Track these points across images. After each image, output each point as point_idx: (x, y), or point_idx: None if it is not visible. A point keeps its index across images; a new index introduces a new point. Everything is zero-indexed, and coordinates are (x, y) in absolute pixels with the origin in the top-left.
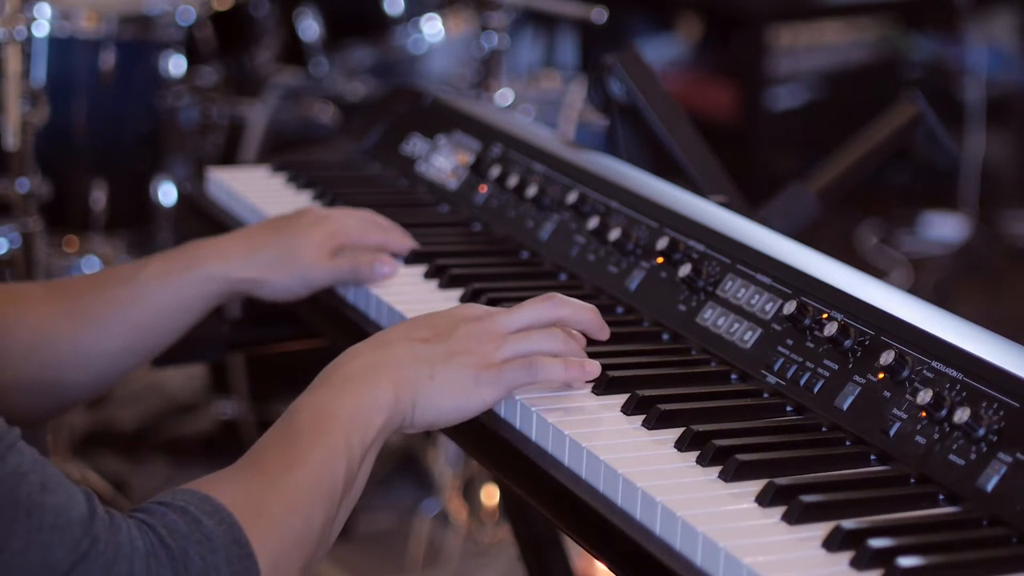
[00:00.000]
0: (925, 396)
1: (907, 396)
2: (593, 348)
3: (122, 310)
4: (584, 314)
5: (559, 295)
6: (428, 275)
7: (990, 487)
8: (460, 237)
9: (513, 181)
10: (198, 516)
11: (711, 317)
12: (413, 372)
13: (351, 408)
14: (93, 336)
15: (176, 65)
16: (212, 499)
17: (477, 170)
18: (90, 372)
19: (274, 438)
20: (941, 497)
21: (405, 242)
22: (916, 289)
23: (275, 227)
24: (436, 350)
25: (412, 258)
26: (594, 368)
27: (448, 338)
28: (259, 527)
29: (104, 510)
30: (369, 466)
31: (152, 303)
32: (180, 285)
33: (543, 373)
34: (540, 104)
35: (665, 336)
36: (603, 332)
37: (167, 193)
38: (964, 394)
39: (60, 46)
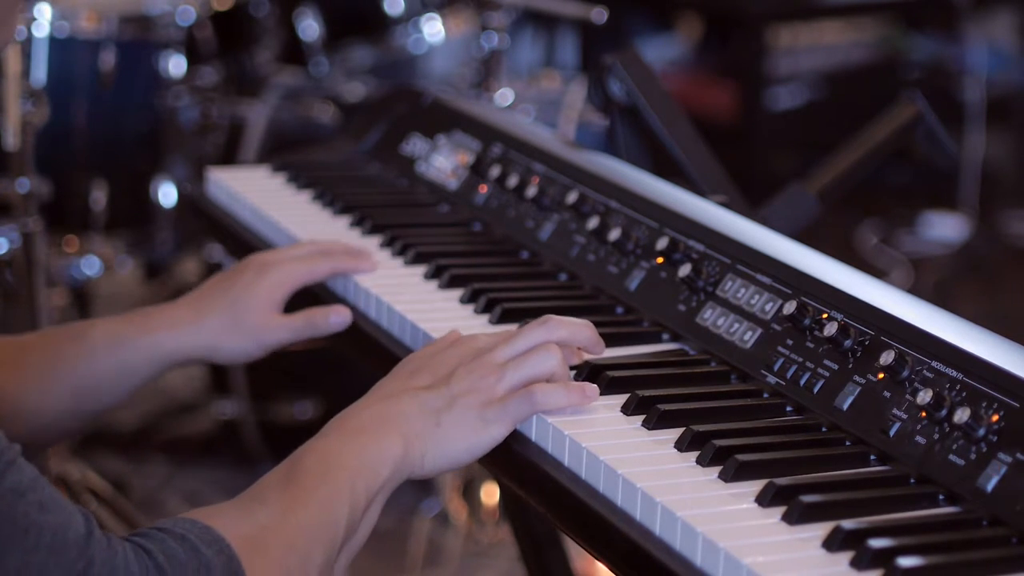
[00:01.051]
0: (925, 396)
1: (907, 396)
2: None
3: (66, 369)
4: (580, 332)
5: (554, 317)
6: (428, 275)
7: (990, 487)
8: (460, 237)
9: (513, 181)
10: (197, 545)
11: (711, 317)
12: (420, 424)
13: (358, 457)
14: (33, 391)
15: (176, 65)
16: (212, 530)
17: (477, 170)
18: (27, 427)
19: (279, 476)
20: (941, 497)
21: (358, 263)
22: (916, 289)
23: (221, 288)
24: (439, 396)
25: (412, 258)
26: (593, 391)
27: (448, 381)
28: (257, 562)
29: (102, 533)
30: (374, 517)
31: (98, 365)
32: (128, 351)
33: (544, 401)
34: (540, 104)
35: (665, 336)
36: (599, 347)
37: (167, 193)
38: (964, 394)
39: (60, 46)
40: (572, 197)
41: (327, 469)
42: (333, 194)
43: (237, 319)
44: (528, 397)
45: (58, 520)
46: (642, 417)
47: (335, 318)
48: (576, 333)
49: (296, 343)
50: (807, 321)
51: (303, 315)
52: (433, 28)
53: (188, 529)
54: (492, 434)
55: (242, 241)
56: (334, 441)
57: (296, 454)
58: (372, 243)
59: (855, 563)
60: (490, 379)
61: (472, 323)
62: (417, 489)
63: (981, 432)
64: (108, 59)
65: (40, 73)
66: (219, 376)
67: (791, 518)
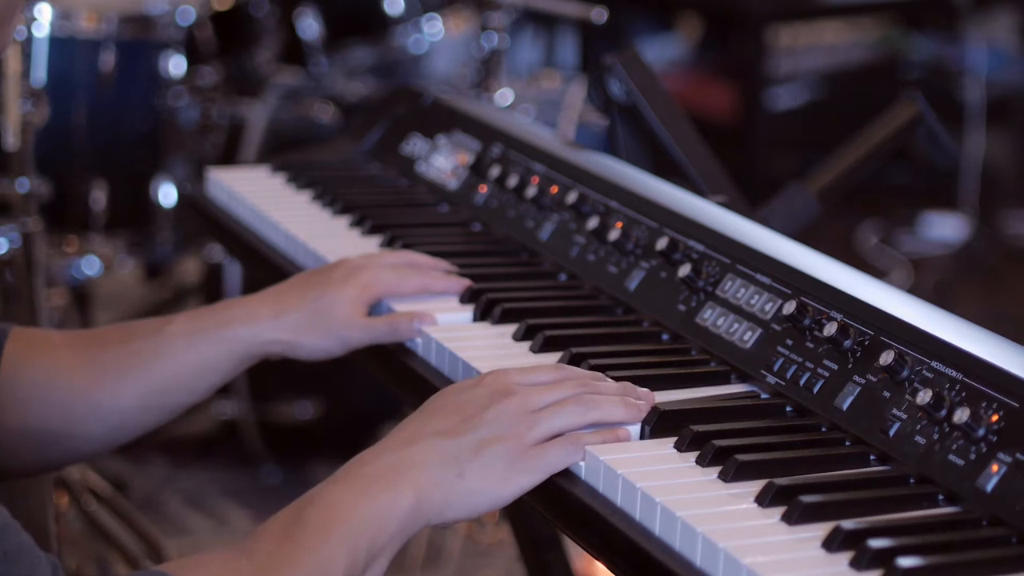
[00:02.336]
0: (925, 396)
1: (907, 396)
2: (594, 349)
3: (143, 364)
4: (615, 412)
5: (592, 397)
6: None
7: (990, 487)
8: (460, 237)
9: (513, 181)
10: None
11: (711, 317)
12: (440, 474)
13: (363, 512)
14: (109, 389)
15: (176, 65)
16: None
17: (477, 170)
18: (102, 427)
19: (274, 529)
20: (941, 497)
21: (449, 282)
22: (916, 289)
23: (306, 284)
24: (463, 444)
25: None
26: (626, 434)
27: (476, 426)
28: None
29: None
30: (381, 570)
31: (175, 360)
32: (206, 345)
33: (581, 453)
34: (540, 104)
35: (665, 336)
36: (639, 414)
37: (167, 193)
38: (964, 394)
39: (60, 46)
40: (572, 197)
41: (326, 526)
42: (333, 194)
43: (321, 315)
44: (571, 448)
45: (22, 572)
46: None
47: (419, 324)
48: (611, 413)
49: (377, 342)
50: (807, 321)
51: (387, 319)
52: (433, 28)
53: None
54: (520, 484)
55: (242, 241)
56: (342, 490)
57: (300, 502)
58: (372, 243)
59: (855, 563)
60: (521, 427)
61: (472, 322)
62: None
63: (981, 432)
64: (108, 59)
65: (40, 73)
66: None
67: (791, 518)
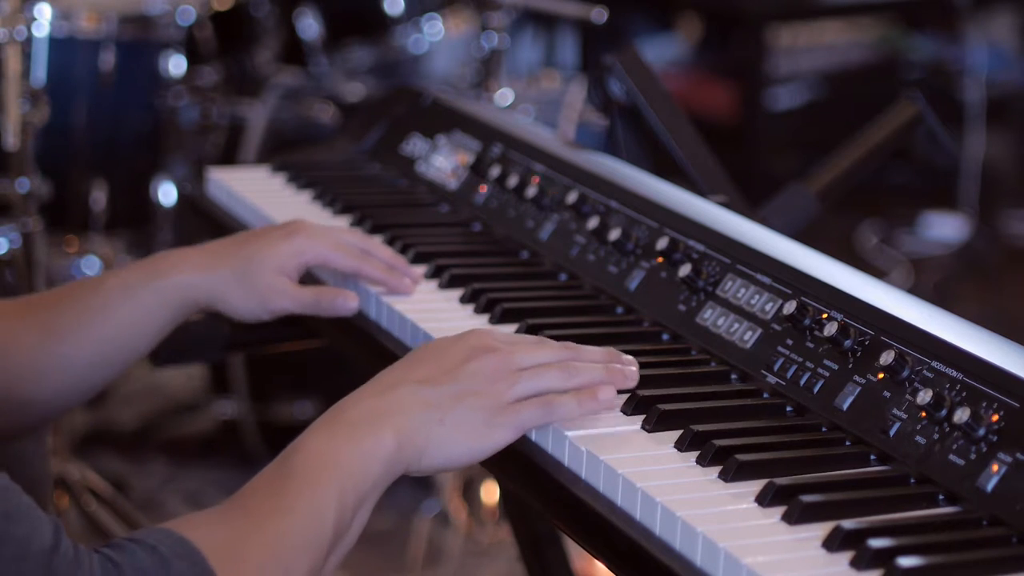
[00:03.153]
0: (925, 396)
1: (907, 396)
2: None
3: (86, 322)
4: (595, 355)
5: (578, 364)
6: (428, 275)
7: (990, 487)
8: (460, 237)
9: (513, 181)
10: (168, 557)
11: (711, 317)
12: (419, 420)
13: (348, 456)
14: (56, 349)
15: (176, 65)
16: (187, 541)
17: (477, 170)
18: (54, 387)
19: (264, 481)
20: (941, 497)
21: (389, 277)
22: (916, 289)
23: (243, 240)
24: (444, 392)
25: (413, 258)
26: (607, 394)
27: (457, 377)
28: (234, 572)
29: (70, 543)
30: (364, 517)
31: (115, 314)
32: (142, 295)
33: (560, 413)
34: (540, 104)
35: (665, 336)
36: (623, 380)
37: (167, 193)
38: (964, 394)
39: (60, 46)
40: (572, 197)
41: (314, 471)
42: (333, 194)
43: (248, 274)
44: (543, 407)
45: (24, 532)
46: (642, 417)
47: (342, 301)
48: (591, 382)
49: (301, 310)
50: (807, 321)
51: (312, 290)
52: (433, 28)
53: (160, 540)
54: (496, 439)
55: None
56: (326, 437)
57: (285, 453)
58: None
59: (855, 563)
60: (501, 384)
61: (472, 323)
62: (417, 489)
63: (981, 432)
64: (108, 59)
65: (40, 73)
66: (219, 376)
67: (791, 518)
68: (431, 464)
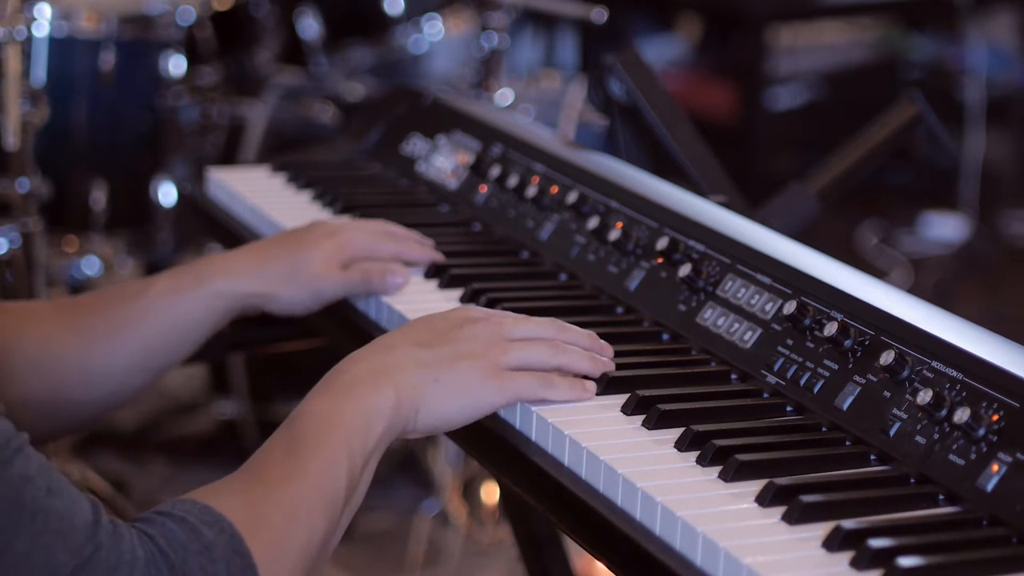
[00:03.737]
0: (925, 396)
1: (907, 396)
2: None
3: (131, 327)
4: (582, 339)
5: (568, 325)
6: (428, 275)
7: (990, 487)
8: (460, 237)
9: (513, 181)
10: (197, 526)
11: (711, 317)
12: (416, 377)
13: (352, 415)
14: (101, 353)
15: (176, 65)
16: (212, 509)
17: (477, 170)
18: (99, 390)
19: (275, 446)
20: (941, 497)
21: (423, 252)
22: (916, 289)
23: (284, 241)
24: (440, 353)
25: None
26: (592, 387)
27: (452, 340)
28: (260, 537)
29: (108, 519)
30: (371, 473)
31: (161, 320)
32: (188, 301)
33: (551, 393)
34: (540, 104)
35: (665, 336)
36: (602, 368)
37: (167, 193)
38: (964, 394)
39: (60, 46)
40: (572, 197)
41: (322, 432)
42: (333, 194)
43: (298, 270)
44: (541, 382)
45: (65, 505)
46: (642, 417)
47: (391, 279)
48: (577, 363)
49: (351, 293)
50: (807, 321)
51: (360, 270)
52: (433, 28)
53: (187, 511)
54: (490, 400)
55: (242, 241)
56: (328, 399)
57: (290, 419)
58: None
59: (855, 563)
60: (496, 349)
61: None
62: (417, 489)
63: (981, 432)
64: (108, 59)
65: (40, 73)
66: (219, 376)
67: (791, 518)
68: (427, 422)
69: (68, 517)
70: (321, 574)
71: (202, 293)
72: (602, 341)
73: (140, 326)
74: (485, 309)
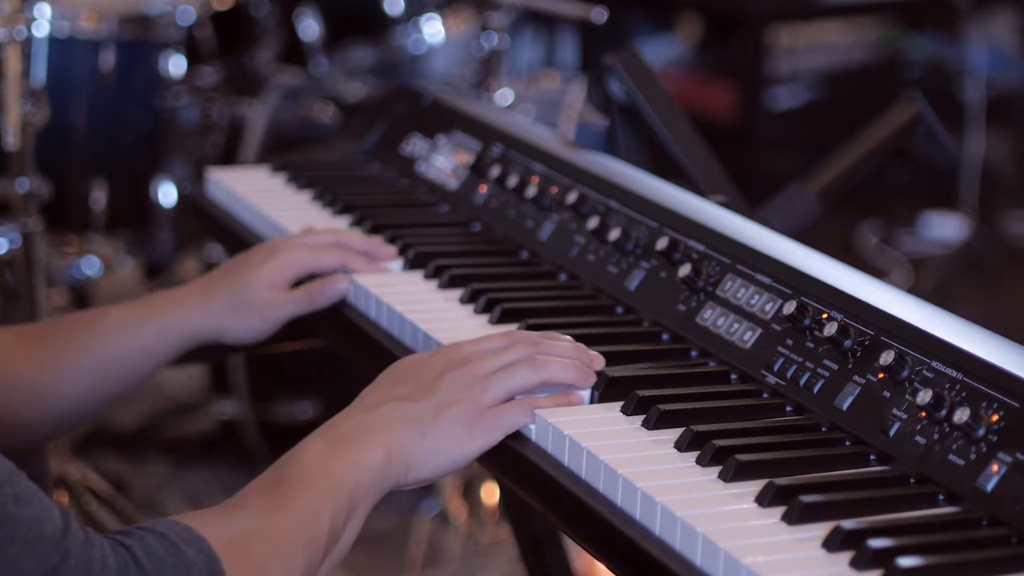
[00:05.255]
0: (925, 396)
1: (907, 396)
2: (594, 349)
3: (82, 354)
4: (564, 373)
5: (545, 340)
6: (428, 275)
7: (990, 487)
8: (460, 237)
9: (513, 181)
10: (177, 543)
11: (711, 317)
12: (404, 434)
13: (341, 467)
14: (51, 379)
15: (176, 65)
16: (193, 530)
17: (477, 170)
18: (50, 412)
19: (262, 484)
20: (941, 497)
21: (370, 265)
22: (916, 289)
23: (228, 271)
24: (424, 408)
25: (412, 258)
26: (578, 399)
27: (433, 391)
28: (238, 564)
29: (80, 528)
30: (357, 526)
31: (112, 349)
32: (140, 333)
33: (532, 415)
34: (540, 104)
35: (665, 336)
36: (588, 380)
37: (167, 193)
38: (964, 394)
39: (60, 46)
40: (572, 197)
41: (310, 476)
42: (333, 194)
43: (242, 299)
44: (523, 409)
45: (35, 513)
46: (642, 417)
47: (330, 289)
48: (560, 374)
49: (300, 313)
50: (807, 321)
51: (303, 289)
52: (433, 28)
53: (169, 528)
54: (479, 444)
55: (242, 241)
56: (318, 448)
57: (280, 461)
58: None
59: (855, 563)
60: (475, 390)
61: (472, 323)
62: (417, 489)
63: (981, 432)
64: (108, 59)
65: (40, 73)
66: (219, 376)
67: (791, 518)
68: (418, 477)
69: (36, 525)
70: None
71: (154, 326)
72: (592, 352)
73: (91, 353)
74: (464, 344)
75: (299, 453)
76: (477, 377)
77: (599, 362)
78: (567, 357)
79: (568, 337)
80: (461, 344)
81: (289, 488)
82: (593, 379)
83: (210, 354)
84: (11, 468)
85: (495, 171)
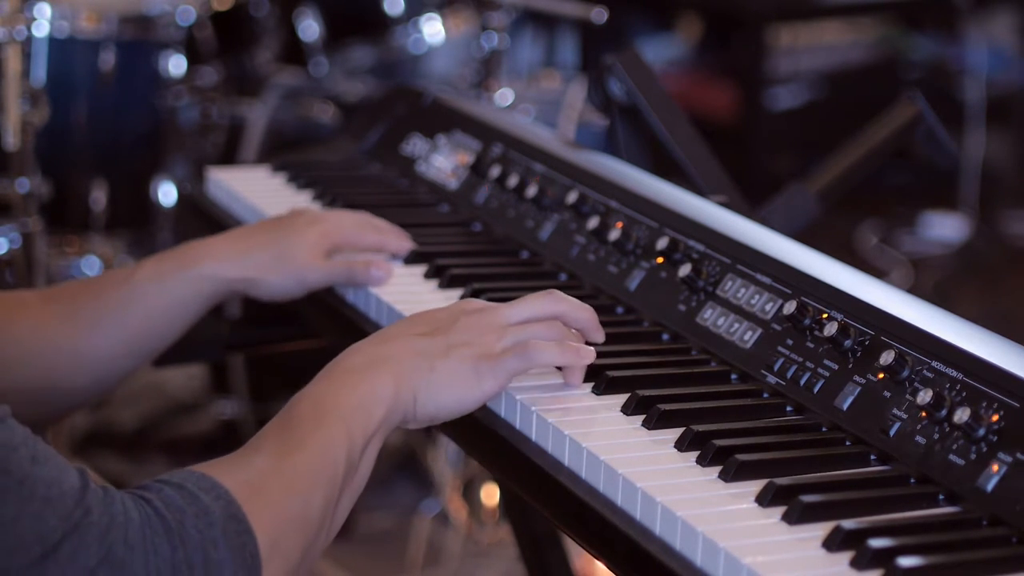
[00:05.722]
0: (925, 396)
1: (907, 396)
2: (594, 348)
3: (118, 313)
4: (582, 312)
5: (558, 291)
6: (428, 275)
7: (990, 487)
8: (460, 237)
9: (513, 181)
10: (195, 492)
11: (711, 317)
12: (413, 366)
13: (351, 400)
14: (89, 340)
15: (176, 65)
16: (209, 477)
17: (477, 170)
18: (88, 376)
19: (274, 426)
20: (941, 497)
21: (403, 244)
22: (916, 289)
23: (269, 227)
24: (436, 343)
25: (412, 258)
26: (588, 354)
27: (448, 331)
28: (257, 505)
29: (98, 485)
30: (372, 459)
31: (147, 305)
32: (174, 286)
33: (538, 357)
34: (540, 104)
35: (665, 336)
36: (599, 333)
37: (167, 193)
38: (964, 394)
39: (60, 46)
40: (572, 197)
41: (321, 413)
42: (333, 194)
43: (283, 256)
44: (523, 353)
45: (52, 472)
46: (642, 417)
47: (375, 272)
48: (576, 311)
49: (334, 283)
50: (807, 321)
51: (345, 262)
52: (433, 28)
53: (185, 478)
54: (484, 388)
55: None
56: (326, 385)
57: (291, 402)
58: None
59: (855, 563)
60: (490, 336)
61: None
62: (417, 489)
63: (981, 432)
64: (108, 59)
65: (40, 73)
66: (219, 376)
67: (791, 518)
68: (424, 411)
69: (55, 484)
70: (319, 569)
71: (187, 277)
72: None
73: (126, 311)
74: (484, 302)
75: (309, 392)
76: (495, 324)
77: (600, 335)
78: (582, 319)
79: (588, 307)
80: (482, 301)
81: (302, 427)
82: (589, 358)
83: (210, 354)
84: (26, 431)
85: (495, 171)
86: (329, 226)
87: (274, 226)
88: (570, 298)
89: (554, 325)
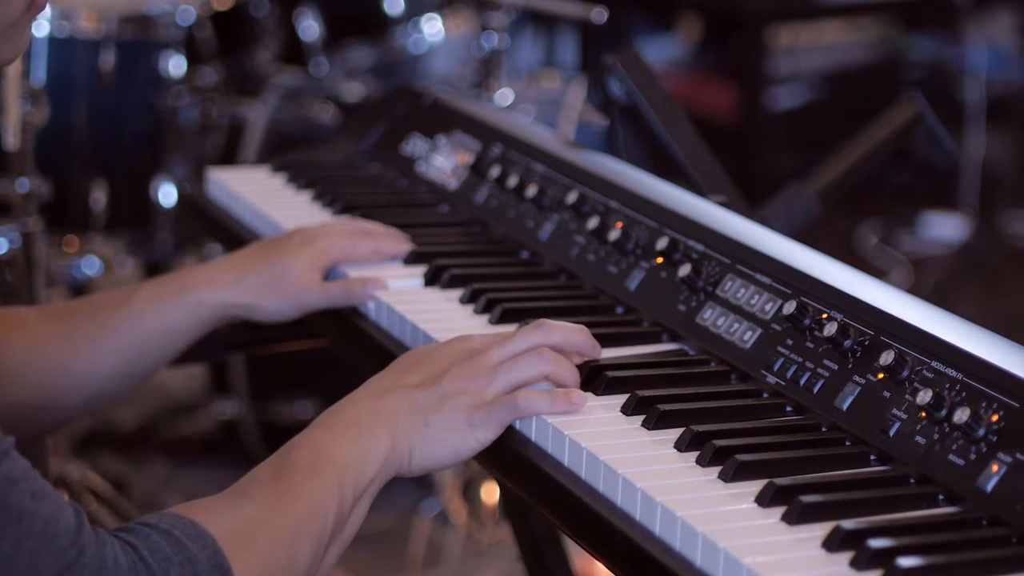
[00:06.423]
0: (925, 396)
1: (907, 396)
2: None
3: (113, 334)
4: (576, 336)
5: (549, 321)
6: (428, 275)
7: (990, 487)
8: (460, 237)
9: (513, 181)
10: (182, 540)
11: (711, 317)
12: (408, 421)
13: (346, 453)
14: (84, 359)
15: (176, 65)
16: (198, 524)
17: (477, 170)
18: (79, 395)
19: (267, 471)
20: (941, 497)
21: (399, 246)
22: (916, 289)
23: (264, 251)
24: (429, 396)
25: (412, 258)
26: (580, 397)
27: (440, 381)
28: (243, 556)
29: (91, 526)
30: (363, 512)
31: (143, 327)
32: (171, 310)
33: (527, 408)
34: (540, 104)
35: (665, 336)
36: (595, 351)
37: (167, 193)
38: (964, 394)
39: (60, 46)
40: (572, 197)
41: (315, 463)
42: (333, 194)
43: (278, 280)
44: (511, 404)
45: (51, 510)
46: (642, 417)
47: (371, 289)
48: (570, 337)
49: (332, 306)
50: (807, 321)
51: (341, 283)
52: (433, 28)
53: (173, 524)
54: (478, 438)
55: (242, 241)
56: (323, 434)
57: (285, 448)
58: None
59: (855, 563)
60: (480, 382)
61: (472, 323)
62: (417, 489)
63: (981, 432)
64: (108, 59)
65: (40, 73)
66: (219, 376)
67: (791, 518)
68: (420, 465)
69: (52, 521)
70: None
71: (184, 302)
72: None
73: (123, 332)
74: (476, 339)
75: (304, 440)
76: (483, 368)
77: (598, 351)
78: (578, 341)
79: (582, 328)
80: (472, 336)
81: (295, 476)
82: (583, 402)
83: (210, 354)
84: (27, 465)
85: (495, 171)
86: (323, 245)
87: (269, 248)
88: (561, 324)
89: (542, 355)
